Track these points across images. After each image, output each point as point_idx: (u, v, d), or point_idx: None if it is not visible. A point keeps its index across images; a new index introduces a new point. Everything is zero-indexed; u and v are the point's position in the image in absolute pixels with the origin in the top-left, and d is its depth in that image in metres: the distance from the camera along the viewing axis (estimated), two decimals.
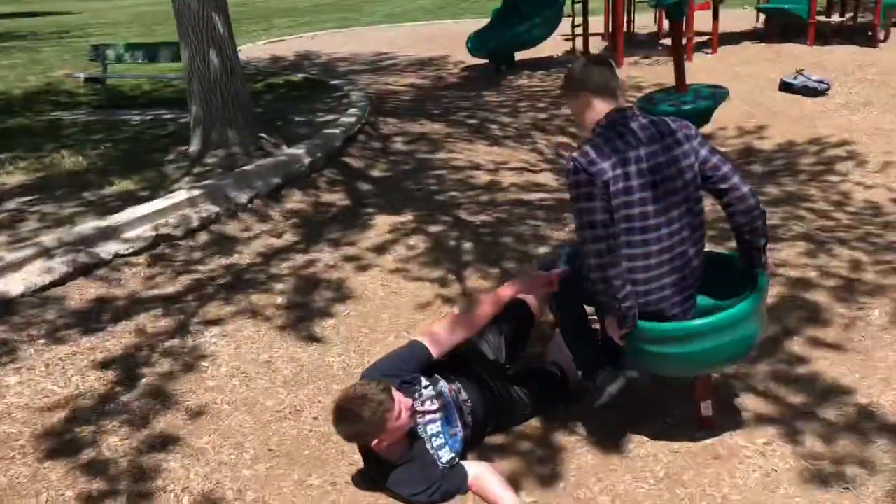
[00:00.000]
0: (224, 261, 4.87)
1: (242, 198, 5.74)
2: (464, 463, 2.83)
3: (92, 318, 4.08)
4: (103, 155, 7.01)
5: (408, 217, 5.62)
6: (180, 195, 5.47)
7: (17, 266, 4.40)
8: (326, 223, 5.57)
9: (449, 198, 6.12)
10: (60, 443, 3.04)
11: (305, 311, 4.18)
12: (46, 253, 4.55)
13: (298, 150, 6.56)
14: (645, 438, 3.01)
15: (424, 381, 2.93)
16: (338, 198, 6.15)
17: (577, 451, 3.00)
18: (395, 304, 4.27)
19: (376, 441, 2.67)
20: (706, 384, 3.01)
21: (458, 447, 2.87)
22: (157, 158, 6.79)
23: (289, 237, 5.32)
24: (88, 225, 4.96)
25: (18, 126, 8.33)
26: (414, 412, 2.76)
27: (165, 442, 3.06)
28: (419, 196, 6.19)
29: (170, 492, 2.78)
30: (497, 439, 3.08)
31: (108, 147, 7.29)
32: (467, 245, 5.04)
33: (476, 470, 2.81)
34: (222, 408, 3.31)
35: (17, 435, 3.09)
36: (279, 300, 4.31)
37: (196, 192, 5.53)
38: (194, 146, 6.77)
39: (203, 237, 5.24)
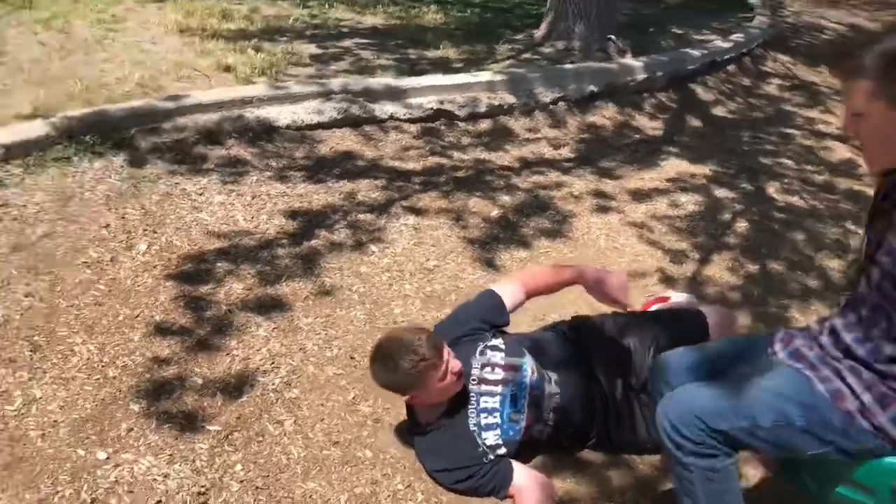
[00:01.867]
0: (483, 155, 4.61)
1: (547, 97, 5.34)
2: (515, 464, 2.34)
3: (324, 169, 4.15)
4: (462, 19, 7.03)
5: (704, 170, 4.74)
6: (483, 76, 5.24)
7: (296, 99, 4.62)
8: (615, 150, 4.95)
9: (773, 164, 5.02)
10: (195, 270, 3.16)
11: (506, 232, 3.78)
12: (327, 95, 4.70)
13: (635, 62, 5.86)
14: None
15: (496, 342, 2.44)
16: (652, 126, 5.42)
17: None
18: (605, 260, 3.65)
19: (409, 396, 2.30)
20: None
21: (516, 438, 2.36)
22: (502, 34, 6.60)
23: (564, 152, 4.84)
24: (379, 80, 5.01)
25: None
26: (462, 376, 2.32)
27: (274, 307, 3.01)
28: (742, 151, 5.18)
29: (233, 355, 2.73)
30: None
31: (475, 12, 7.29)
32: (741, 226, 4.10)
33: (524, 480, 2.30)
34: (350, 297, 3.15)
35: (176, 248, 3.28)
36: (493, 213, 3.95)
37: (499, 78, 5.25)
38: (540, 31, 6.45)
39: (484, 125, 5.00)
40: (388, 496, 2.30)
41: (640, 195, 4.32)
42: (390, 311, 3.11)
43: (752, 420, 1.83)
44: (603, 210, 4.09)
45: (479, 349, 2.45)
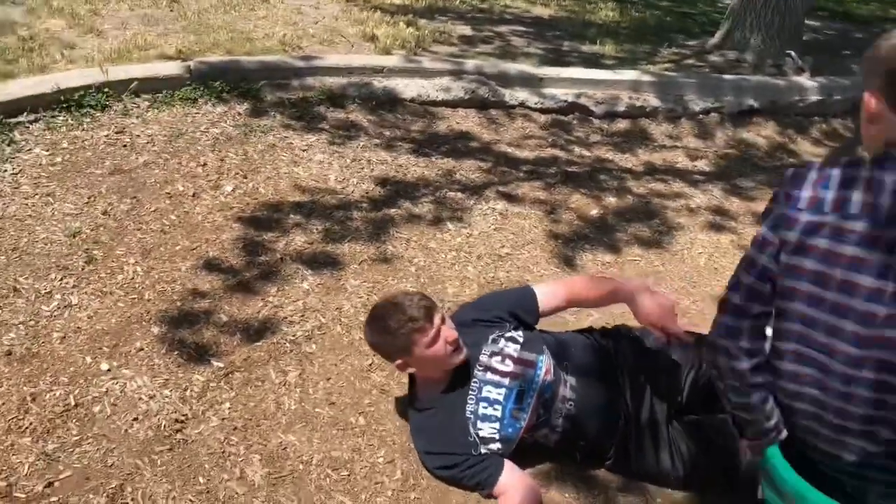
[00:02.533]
0: (608, 154, 4.37)
1: (697, 105, 4.97)
2: (507, 464, 2.17)
3: (434, 145, 4.11)
4: (637, 18, 6.74)
5: None
6: (627, 75, 4.98)
7: (426, 74, 4.61)
8: (760, 170, 4.51)
9: None
10: (267, 217, 3.22)
11: (599, 234, 3.54)
12: (459, 74, 4.65)
13: (808, 82, 5.31)
14: None
15: (515, 334, 2.27)
16: (813, 153, 4.89)
17: None
18: (698, 279, 3.32)
19: (399, 362, 2.20)
20: None
21: (514, 436, 2.19)
22: (673, 38, 6.24)
23: (701, 164, 4.48)
24: (516, 65, 4.89)
25: None
26: (460, 350, 2.18)
27: (326, 264, 3.00)
28: None
29: (267, 301, 2.76)
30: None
31: (654, 13, 6.96)
32: None
33: (511, 481, 2.14)
34: (406, 269, 3.08)
35: (259, 194, 3.36)
36: (593, 212, 3.72)
37: (646, 79, 4.96)
38: (714, 39, 6.04)
39: (621, 125, 4.75)
40: (365, 467, 2.21)
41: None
42: (443, 289, 3.00)
43: None
44: (716, 228, 3.72)
45: (493, 337, 2.29)
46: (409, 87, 4.49)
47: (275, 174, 3.53)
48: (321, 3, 5.70)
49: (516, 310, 2.38)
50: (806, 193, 1.48)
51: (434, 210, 3.49)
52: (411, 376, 2.32)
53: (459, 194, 3.66)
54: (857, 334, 1.43)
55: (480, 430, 2.17)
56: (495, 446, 2.17)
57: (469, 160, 4.00)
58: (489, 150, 4.17)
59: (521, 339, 2.29)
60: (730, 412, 1.77)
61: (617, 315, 2.67)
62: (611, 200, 3.83)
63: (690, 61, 5.65)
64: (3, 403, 2.14)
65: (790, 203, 1.49)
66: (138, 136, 3.56)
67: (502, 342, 2.27)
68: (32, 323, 2.43)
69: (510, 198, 3.70)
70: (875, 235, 1.40)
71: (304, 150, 3.79)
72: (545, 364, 2.24)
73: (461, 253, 3.23)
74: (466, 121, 4.44)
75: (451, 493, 2.16)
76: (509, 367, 2.23)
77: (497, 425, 2.18)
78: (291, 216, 3.24)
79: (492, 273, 3.14)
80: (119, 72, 3.86)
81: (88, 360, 2.34)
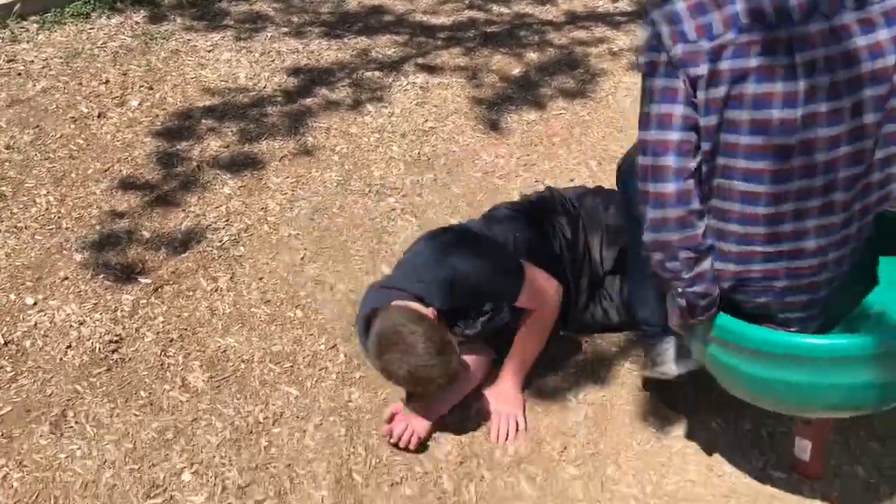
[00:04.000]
0: (528, 9, 4.24)
1: None
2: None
3: (346, 25, 3.97)
4: None
5: None
6: None
7: None
8: None
9: None
10: (178, 126, 3.13)
11: (522, 92, 3.48)
12: None
13: None
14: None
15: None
16: None
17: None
18: (624, 122, 3.30)
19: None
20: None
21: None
22: None
23: (623, 4, 4.36)
24: None
25: None
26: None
27: (246, 166, 2.94)
28: None
29: (189, 212, 2.71)
30: None
31: None
32: None
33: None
34: (329, 158, 3.03)
35: (168, 104, 3.25)
36: (515, 71, 3.65)
37: None
38: None
39: None
40: (308, 356, 2.24)
41: None
42: (369, 173, 2.97)
43: None
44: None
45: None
46: None
47: (181, 81, 3.40)
48: None
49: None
50: (688, 25, 1.44)
51: (352, 94, 3.40)
52: None
53: (377, 73, 3.56)
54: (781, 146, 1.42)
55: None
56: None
57: (384, 35, 3.88)
58: (404, 22, 4.03)
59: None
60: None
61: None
62: (532, 56, 3.75)
63: None
64: None
65: (679, 39, 1.44)
66: (32, 61, 3.40)
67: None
68: None
69: (430, 69, 3.61)
70: (771, 39, 1.38)
71: (209, 51, 3.64)
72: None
73: (384, 134, 3.18)
74: None
75: None
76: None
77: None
78: (204, 121, 3.15)
79: (417, 150, 3.10)
80: None
81: (12, 297, 2.31)
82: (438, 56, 3.72)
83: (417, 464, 1.96)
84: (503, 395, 2.10)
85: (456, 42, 3.85)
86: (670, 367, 1.88)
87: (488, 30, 3.98)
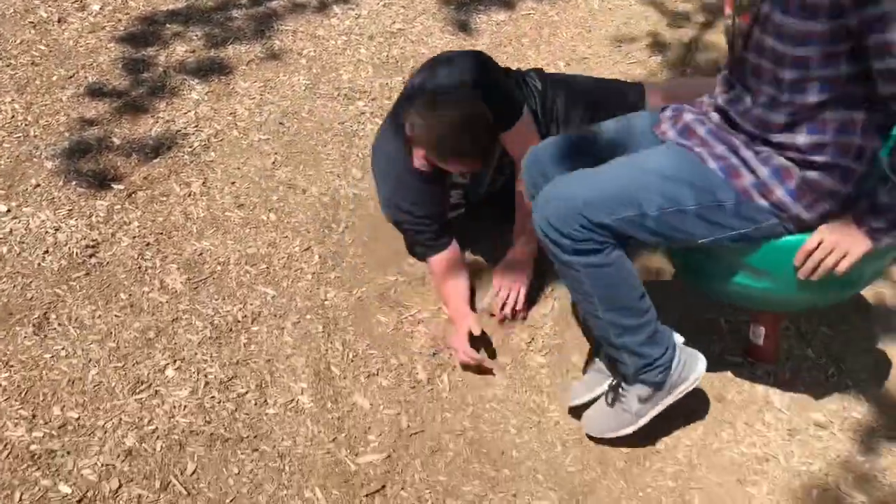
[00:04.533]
0: None
1: None
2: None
3: None
4: None
5: None
6: None
7: None
8: None
9: None
10: (142, 31, 3.07)
11: None
12: None
13: None
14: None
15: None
16: None
17: None
18: (592, 22, 3.29)
19: (420, 153, 2.04)
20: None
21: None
22: None
23: None
24: None
25: None
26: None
27: (213, 71, 2.92)
28: None
29: (158, 117, 2.70)
30: None
31: None
32: None
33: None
34: (297, 62, 3.00)
35: (130, 8, 3.17)
36: None
37: None
38: None
39: None
40: (283, 258, 2.29)
41: None
42: (337, 76, 2.96)
43: (639, 208, 1.62)
44: None
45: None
46: None
47: None
48: None
49: None
50: None
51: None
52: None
53: None
54: None
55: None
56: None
57: None
58: None
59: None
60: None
61: None
62: None
63: None
64: None
65: None
66: None
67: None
68: None
69: None
70: None
71: None
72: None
73: (352, 36, 3.15)
74: None
75: (376, 263, 2.27)
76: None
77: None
78: (168, 26, 3.09)
79: (385, 52, 3.09)
80: None
81: None
82: None
83: (392, 357, 2.05)
84: (511, 265, 2.18)
85: None
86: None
87: None
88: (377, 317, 2.16)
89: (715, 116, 1.70)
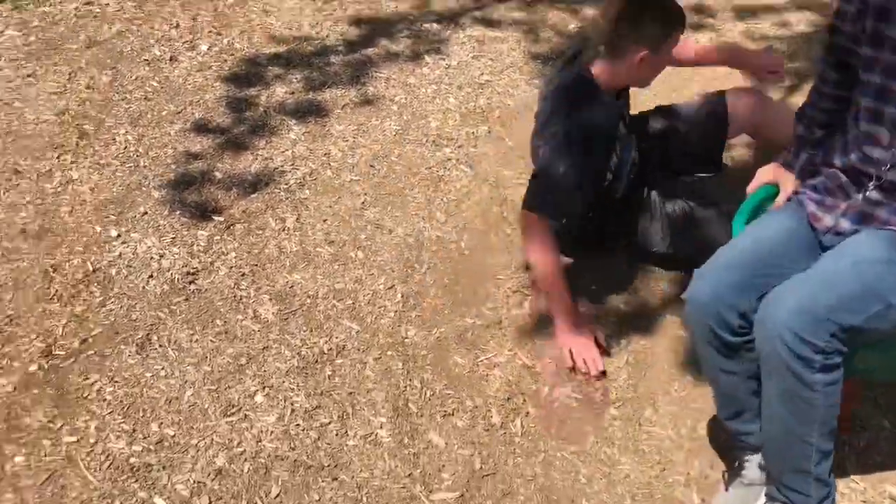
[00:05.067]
0: None
1: None
2: None
3: None
4: None
5: None
6: None
7: None
8: None
9: None
10: (246, 72, 3.27)
11: None
12: None
13: None
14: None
15: None
16: None
17: None
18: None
19: (643, 53, 2.16)
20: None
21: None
22: None
23: None
24: None
25: None
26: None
27: (310, 112, 3.08)
28: None
29: (257, 154, 2.87)
30: None
31: None
32: None
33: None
34: (388, 108, 3.15)
35: (235, 50, 3.39)
36: (571, 26, 3.70)
37: None
38: None
39: None
40: (368, 294, 2.40)
41: (745, 10, 3.86)
42: (426, 123, 3.09)
43: (884, 300, 1.51)
44: (695, 28, 3.70)
45: None
46: None
47: (248, 27, 3.53)
48: None
49: None
50: None
51: (411, 45, 3.50)
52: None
53: (436, 25, 3.65)
54: None
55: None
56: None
57: None
58: None
59: None
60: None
61: None
62: (589, 13, 3.80)
63: None
64: (28, 277, 2.32)
65: None
66: (107, 4, 3.55)
67: None
68: (39, 201, 2.57)
69: (487, 23, 3.69)
70: None
71: None
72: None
73: (441, 85, 3.29)
74: None
75: (455, 304, 2.35)
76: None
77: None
78: (270, 68, 3.28)
79: (473, 102, 3.21)
80: None
81: (98, 228, 2.50)
82: (496, 10, 3.79)
83: (468, 398, 2.12)
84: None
85: None
86: None
87: None
88: (454, 357, 2.23)
89: (840, 177, 1.69)
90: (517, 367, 2.21)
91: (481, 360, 2.23)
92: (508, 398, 2.12)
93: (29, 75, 3.10)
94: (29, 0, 3.50)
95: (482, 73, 3.36)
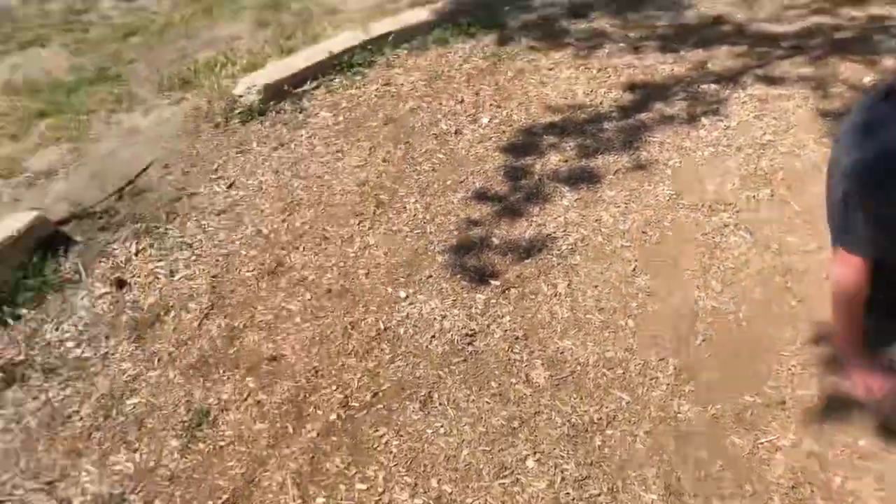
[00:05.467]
0: (883, 10, 3.96)
1: None
2: None
3: (682, 37, 4.03)
4: None
5: None
6: None
7: None
8: None
9: None
10: (523, 142, 3.43)
11: None
12: None
13: None
14: None
15: None
16: None
17: None
18: None
19: None
20: None
21: None
22: None
23: None
24: None
25: None
26: None
27: (583, 179, 3.16)
28: None
29: (531, 221, 2.99)
30: None
31: None
32: None
33: None
34: (662, 172, 3.13)
35: (513, 121, 3.58)
36: (866, 78, 3.44)
37: None
38: None
39: None
40: (639, 364, 2.38)
41: None
42: (702, 188, 3.02)
43: None
44: None
45: None
46: None
47: (525, 98, 3.71)
48: None
49: None
50: None
51: (687, 107, 3.46)
52: None
53: (713, 86, 3.57)
54: None
55: None
56: None
57: (722, 47, 3.86)
58: (743, 33, 3.97)
59: None
60: None
61: None
62: (889, 63, 3.49)
63: None
64: (332, 332, 2.61)
65: None
66: (402, 84, 3.93)
67: None
68: (342, 264, 2.89)
69: (770, 80, 3.54)
70: None
71: (550, 69, 3.91)
72: None
73: (719, 147, 3.20)
74: (717, 3, 4.24)
75: (733, 380, 2.26)
76: None
77: None
78: (545, 137, 3.41)
79: (754, 164, 3.08)
80: (378, 28, 4.25)
81: (389, 290, 2.75)
82: (779, 66, 3.62)
83: (747, 483, 2.00)
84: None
85: (800, 51, 3.71)
86: None
87: (837, 36, 3.77)
88: (731, 438, 2.13)
89: None
90: (803, 453, 2.05)
91: (762, 443, 2.10)
92: (793, 486, 1.97)
93: (338, 151, 3.51)
94: (339, 84, 3.98)
95: (764, 133, 3.22)
